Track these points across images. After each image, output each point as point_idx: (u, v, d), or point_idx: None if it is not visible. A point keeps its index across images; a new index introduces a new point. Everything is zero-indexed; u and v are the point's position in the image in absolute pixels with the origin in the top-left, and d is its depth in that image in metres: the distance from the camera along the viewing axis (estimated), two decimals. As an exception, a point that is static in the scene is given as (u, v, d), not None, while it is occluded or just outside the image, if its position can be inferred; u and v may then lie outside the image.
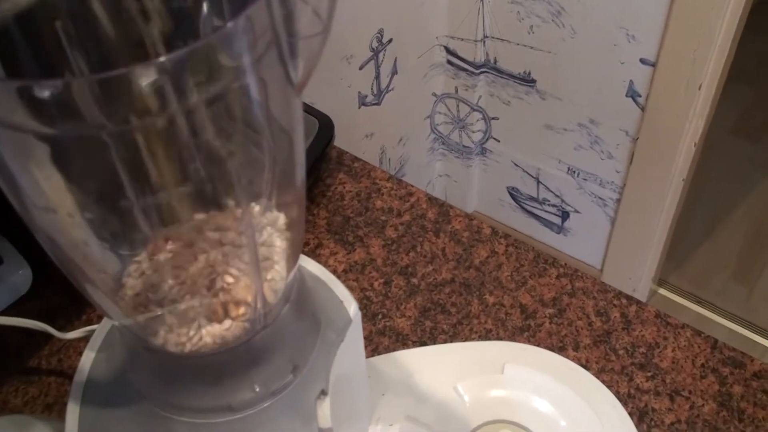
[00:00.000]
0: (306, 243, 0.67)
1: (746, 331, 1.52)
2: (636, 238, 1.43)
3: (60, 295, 0.63)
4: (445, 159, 1.62)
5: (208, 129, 0.27)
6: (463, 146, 1.56)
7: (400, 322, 0.61)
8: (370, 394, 0.50)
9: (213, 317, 0.33)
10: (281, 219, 0.36)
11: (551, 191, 1.50)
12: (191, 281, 0.32)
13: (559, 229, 1.56)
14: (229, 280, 0.33)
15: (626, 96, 1.24)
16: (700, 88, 1.14)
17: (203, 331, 0.33)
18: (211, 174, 0.28)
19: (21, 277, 0.62)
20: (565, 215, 1.53)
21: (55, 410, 0.56)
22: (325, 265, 0.66)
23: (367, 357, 0.56)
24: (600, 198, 1.43)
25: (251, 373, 0.38)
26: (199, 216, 0.33)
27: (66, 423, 0.41)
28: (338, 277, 0.65)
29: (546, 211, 1.55)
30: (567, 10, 1.21)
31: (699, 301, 1.60)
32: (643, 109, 1.23)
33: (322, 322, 0.42)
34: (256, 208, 0.35)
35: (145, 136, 0.24)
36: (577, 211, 1.50)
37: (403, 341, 0.60)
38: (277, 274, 0.35)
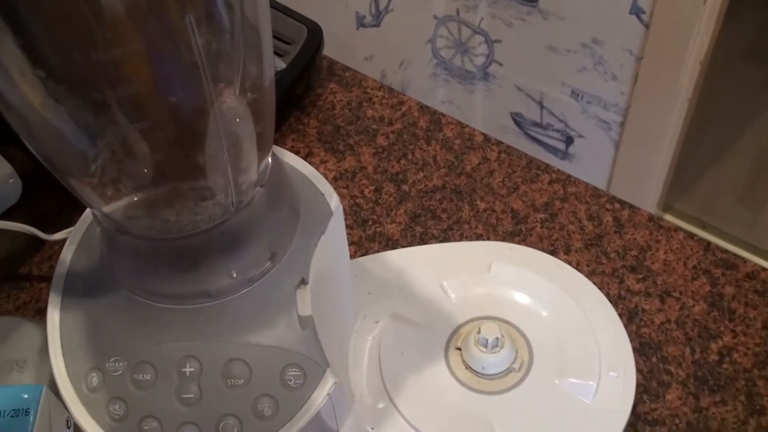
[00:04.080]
0: (296, 151, 0.66)
1: (750, 254, 1.51)
2: (641, 163, 1.41)
3: (50, 204, 0.63)
4: (447, 85, 1.60)
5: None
6: (466, 71, 1.54)
7: (390, 227, 0.61)
8: (355, 291, 0.50)
9: (181, 196, 0.33)
10: (251, 100, 0.35)
11: (555, 116, 1.48)
12: (159, 157, 0.31)
13: (564, 155, 1.55)
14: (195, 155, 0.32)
15: (630, 13, 1.21)
16: (705, 3, 1.11)
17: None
18: (171, 42, 0.27)
19: (11, 186, 0.62)
20: (569, 140, 1.51)
21: (45, 314, 0.56)
22: (315, 173, 0.66)
23: (355, 259, 0.56)
24: (604, 121, 1.41)
25: (228, 258, 0.38)
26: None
27: (47, 313, 0.41)
28: (328, 184, 0.65)
29: (550, 137, 1.54)
30: (570, -76, 1.17)
31: (705, 226, 1.59)
32: (647, 26, 1.20)
33: (302, 214, 0.42)
34: (226, 92, 0.34)
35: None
36: (581, 136, 1.48)
37: (393, 246, 0.60)
38: (246, 154, 0.35)
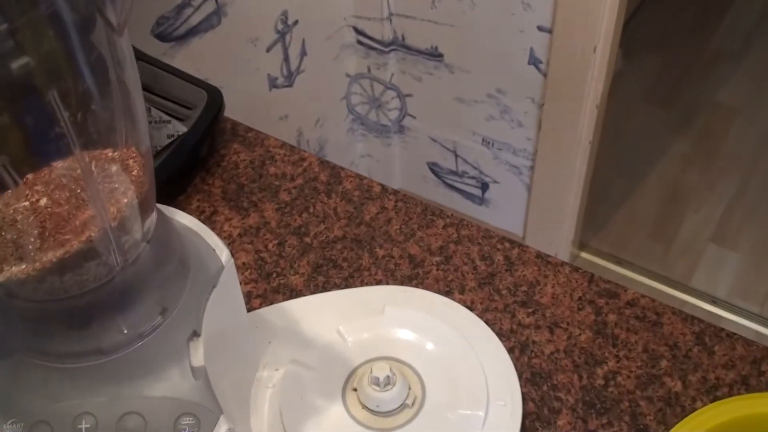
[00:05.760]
0: (201, 211, 0.68)
1: (663, 286, 1.58)
2: (552, 204, 1.48)
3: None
4: (365, 139, 1.64)
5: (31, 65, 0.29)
6: (381, 125, 1.59)
7: (293, 279, 0.63)
8: (255, 341, 0.52)
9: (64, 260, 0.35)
10: (129, 162, 0.38)
11: (469, 163, 1.54)
12: (34, 221, 0.33)
13: (481, 201, 1.60)
14: (76, 221, 0.35)
15: (528, 64, 1.28)
16: (594, 51, 1.18)
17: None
18: (38, 111, 0.29)
19: None
20: (484, 186, 1.56)
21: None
22: (220, 230, 0.68)
23: (255, 310, 0.58)
24: (515, 167, 1.47)
25: (117, 315, 0.39)
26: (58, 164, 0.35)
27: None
28: (233, 241, 0.67)
29: (466, 184, 1.59)
30: (467, -17, 1.24)
31: (619, 262, 1.65)
32: (545, 75, 1.27)
33: (193, 269, 0.44)
34: (105, 151, 0.37)
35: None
36: (495, 182, 1.54)
37: (297, 297, 0.62)
38: (128, 215, 0.37)
